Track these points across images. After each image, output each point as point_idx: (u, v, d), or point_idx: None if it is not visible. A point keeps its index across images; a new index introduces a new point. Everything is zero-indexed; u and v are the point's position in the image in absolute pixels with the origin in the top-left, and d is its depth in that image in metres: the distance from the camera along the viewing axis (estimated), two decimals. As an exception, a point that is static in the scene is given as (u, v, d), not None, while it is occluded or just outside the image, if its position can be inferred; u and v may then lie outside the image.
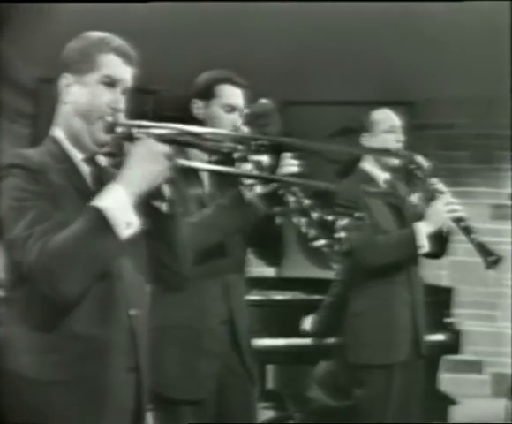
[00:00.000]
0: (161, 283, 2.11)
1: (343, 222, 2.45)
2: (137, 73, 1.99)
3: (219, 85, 2.69)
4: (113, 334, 1.89)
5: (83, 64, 1.94)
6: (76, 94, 1.94)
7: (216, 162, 1.88)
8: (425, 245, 3.19)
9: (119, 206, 1.77)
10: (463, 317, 4.68)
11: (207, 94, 2.69)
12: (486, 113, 5.60)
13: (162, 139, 1.85)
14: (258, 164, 1.84)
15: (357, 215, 2.56)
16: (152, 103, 4.90)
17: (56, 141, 1.97)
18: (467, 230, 3.22)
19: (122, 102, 1.95)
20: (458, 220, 3.22)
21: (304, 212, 2.47)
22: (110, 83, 1.94)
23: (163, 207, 1.93)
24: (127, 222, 1.78)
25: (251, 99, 2.62)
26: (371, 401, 3.24)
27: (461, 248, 3.43)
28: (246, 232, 2.66)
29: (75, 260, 1.75)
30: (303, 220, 2.47)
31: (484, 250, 3.19)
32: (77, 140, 1.96)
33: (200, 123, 2.65)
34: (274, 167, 1.85)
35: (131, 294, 1.95)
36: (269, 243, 2.69)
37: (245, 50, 3.95)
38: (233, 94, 2.68)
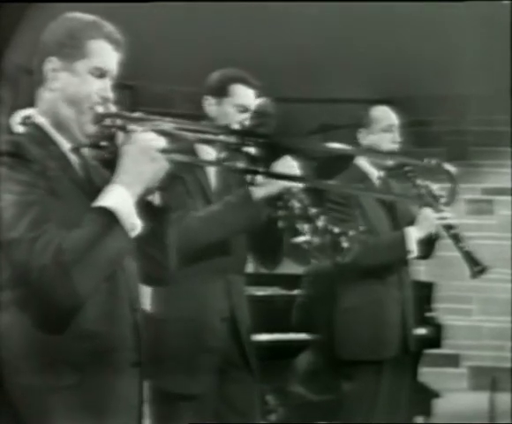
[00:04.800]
0: (149, 279, 2.03)
1: (349, 233, 2.45)
2: (122, 58, 1.90)
3: (233, 84, 2.68)
4: (118, 330, 1.85)
5: (72, 49, 1.83)
6: (64, 81, 1.83)
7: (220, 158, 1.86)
8: (414, 250, 3.23)
9: (124, 208, 1.71)
10: (440, 311, 4.73)
11: (221, 92, 2.68)
12: (463, 110, 5.68)
13: (156, 131, 1.78)
14: (248, 156, 1.79)
15: (361, 228, 2.58)
16: (128, 98, 4.87)
17: (39, 128, 1.85)
18: (456, 238, 3.27)
19: (111, 91, 1.87)
20: (448, 227, 3.26)
21: (310, 219, 2.47)
22: (101, 74, 1.85)
23: (156, 201, 1.88)
24: (132, 223, 1.73)
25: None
26: (359, 396, 3.27)
27: (438, 244, 3.46)
28: (249, 234, 2.65)
29: (91, 262, 1.69)
30: (306, 226, 2.47)
31: (471, 259, 3.25)
32: (64, 129, 1.85)
33: (211, 120, 2.66)
34: (265, 161, 1.83)
35: (133, 288, 1.92)
36: (270, 248, 2.70)
37: (242, 46, 3.94)
38: (246, 95, 2.68)
